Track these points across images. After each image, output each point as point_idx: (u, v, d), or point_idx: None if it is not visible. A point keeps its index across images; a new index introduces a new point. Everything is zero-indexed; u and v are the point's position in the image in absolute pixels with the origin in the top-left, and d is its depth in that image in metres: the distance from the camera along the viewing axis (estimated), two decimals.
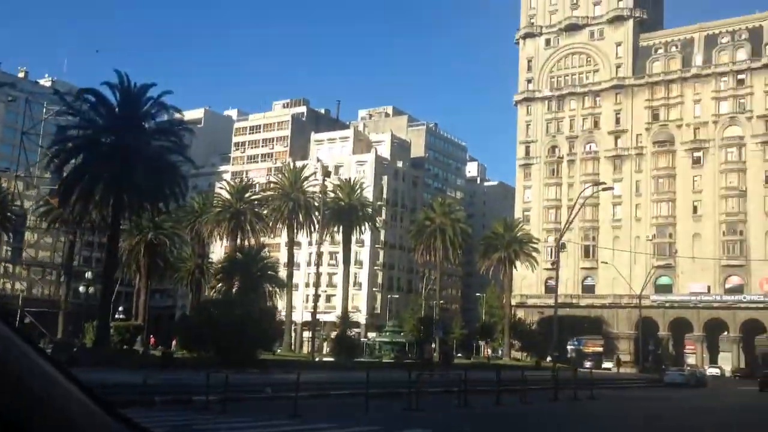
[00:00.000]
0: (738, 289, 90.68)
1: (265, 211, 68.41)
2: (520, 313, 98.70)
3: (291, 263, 68.59)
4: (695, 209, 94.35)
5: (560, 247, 46.47)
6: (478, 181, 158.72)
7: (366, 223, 69.62)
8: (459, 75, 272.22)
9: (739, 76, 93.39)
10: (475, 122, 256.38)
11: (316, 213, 61.36)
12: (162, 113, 40.72)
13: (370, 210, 72.36)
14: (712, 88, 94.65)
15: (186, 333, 42.56)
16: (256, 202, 69.58)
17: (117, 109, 39.28)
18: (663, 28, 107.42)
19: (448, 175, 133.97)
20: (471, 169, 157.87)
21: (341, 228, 67.61)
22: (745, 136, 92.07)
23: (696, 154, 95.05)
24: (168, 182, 38.71)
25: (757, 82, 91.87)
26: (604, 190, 68.79)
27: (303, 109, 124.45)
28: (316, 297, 64.40)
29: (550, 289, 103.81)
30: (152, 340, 63.52)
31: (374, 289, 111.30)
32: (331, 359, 58.12)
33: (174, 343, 51.14)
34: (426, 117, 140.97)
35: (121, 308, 62.06)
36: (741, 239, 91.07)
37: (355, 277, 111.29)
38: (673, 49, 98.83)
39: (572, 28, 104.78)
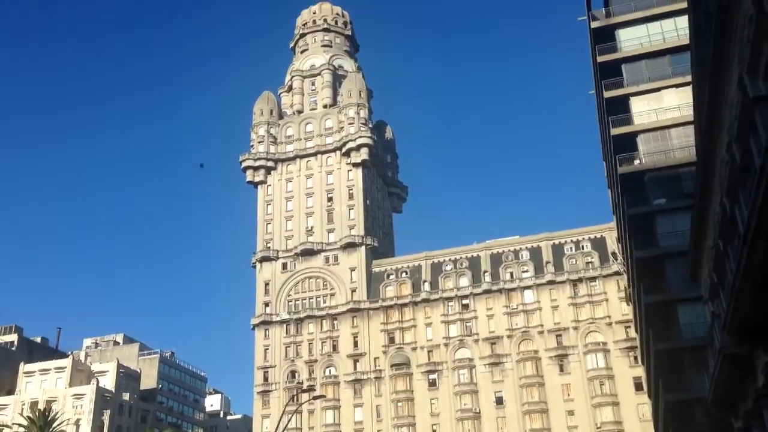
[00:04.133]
0: None
1: None
2: None
3: None
4: None
5: None
6: (221, 415, 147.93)
7: None
8: (200, 302, 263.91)
9: (464, 301, 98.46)
10: (217, 352, 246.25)
11: None
12: None
13: None
14: (440, 312, 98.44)
15: None
16: None
17: None
18: (394, 255, 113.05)
19: (184, 408, 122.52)
20: (213, 402, 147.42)
21: None
22: (474, 358, 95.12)
23: (431, 377, 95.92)
24: None
25: (479, 307, 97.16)
26: (315, 398, 65.67)
27: (13, 337, 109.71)
28: None
29: None
30: None
31: None
32: None
33: None
34: (162, 346, 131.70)
35: None
36: None
37: None
38: (404, 275, 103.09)
39: (308, 253, 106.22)
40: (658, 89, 47.12)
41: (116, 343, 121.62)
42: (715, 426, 32.99)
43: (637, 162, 46.52)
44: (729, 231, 18.81)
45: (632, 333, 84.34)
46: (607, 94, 48.42)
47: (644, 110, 47.36)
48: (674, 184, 44.48)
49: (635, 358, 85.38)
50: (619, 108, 48.10)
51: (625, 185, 46.34)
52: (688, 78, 44.58)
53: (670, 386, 42.03)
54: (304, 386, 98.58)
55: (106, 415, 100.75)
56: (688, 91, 47.16)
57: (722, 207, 21.24)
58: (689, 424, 39.82)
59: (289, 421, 52.85)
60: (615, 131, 47.15)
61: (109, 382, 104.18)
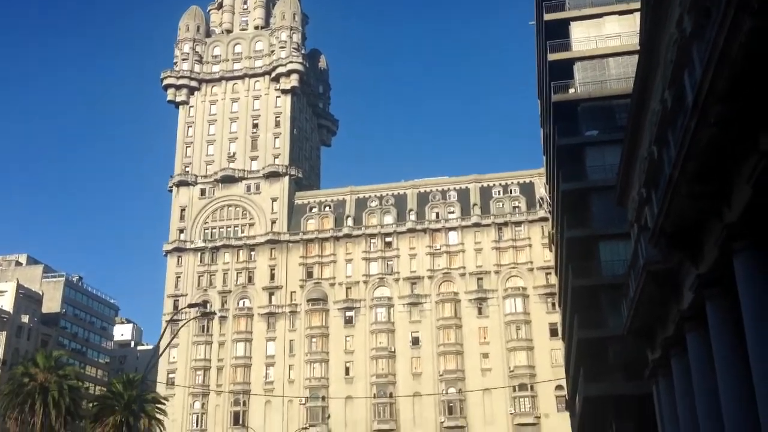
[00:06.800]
0: None
1: None
2: None
3: None
4: (348, 370, 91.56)
5: None
6: (132, 345, 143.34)
7: None
8: (113, 226, 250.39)
9: (387, 239, 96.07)
10: (131, 281, 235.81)
11: None
12: None
13: None
14: (362, 248, 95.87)
15: None
16: None
17: None
18: (319, 189, 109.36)
19: (90, 336, 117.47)
20: (124, 332, 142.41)
21: None
22: (393, 297, 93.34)
23: (348, 314, 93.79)
24: None
25: (402, 245, 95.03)
26: (203, 315, 63.94)
27: None
28: None
29: None
30: None
31: None
32: None
33: None
34: (71, 270, 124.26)
35: None
36: (391, 401, 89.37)
37: None
38: (327, 208, 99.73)
39: (228, 180, 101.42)
40: (601, 15, 44.59)
41: (18, 263, 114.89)
42: (629, 361, 31.40)
43: (571, 91, 44.12)
44: (670, 122, 16.09)
45: (552, 280, 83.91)
46: (547, 17, 45.64)
47: (584, 37, 44.81)
48: (608, 116, 42.44)
49: (553, 304, 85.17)
50: (559, 35, 45.44)
51: (558, 115, 44.05)
52: (632, 5, 42.34)
53: (585, 323, 40.55)
54: (216, 317, 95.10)
55: (2, 337, 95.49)
56: (630, 19, 44.89)
57: (663, 103, 18.57)
58: (602, 361, 38.42)
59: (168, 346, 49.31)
60: (552, 57, 44.47)
61: (7, 303, 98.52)
